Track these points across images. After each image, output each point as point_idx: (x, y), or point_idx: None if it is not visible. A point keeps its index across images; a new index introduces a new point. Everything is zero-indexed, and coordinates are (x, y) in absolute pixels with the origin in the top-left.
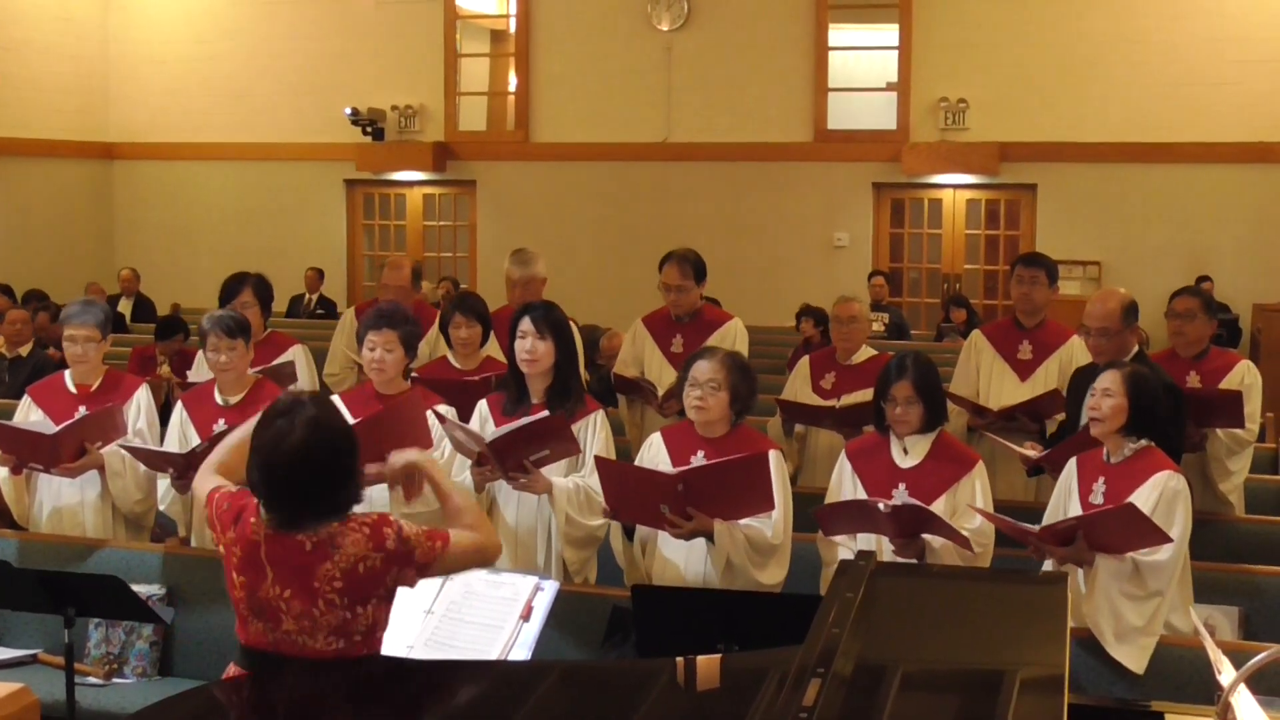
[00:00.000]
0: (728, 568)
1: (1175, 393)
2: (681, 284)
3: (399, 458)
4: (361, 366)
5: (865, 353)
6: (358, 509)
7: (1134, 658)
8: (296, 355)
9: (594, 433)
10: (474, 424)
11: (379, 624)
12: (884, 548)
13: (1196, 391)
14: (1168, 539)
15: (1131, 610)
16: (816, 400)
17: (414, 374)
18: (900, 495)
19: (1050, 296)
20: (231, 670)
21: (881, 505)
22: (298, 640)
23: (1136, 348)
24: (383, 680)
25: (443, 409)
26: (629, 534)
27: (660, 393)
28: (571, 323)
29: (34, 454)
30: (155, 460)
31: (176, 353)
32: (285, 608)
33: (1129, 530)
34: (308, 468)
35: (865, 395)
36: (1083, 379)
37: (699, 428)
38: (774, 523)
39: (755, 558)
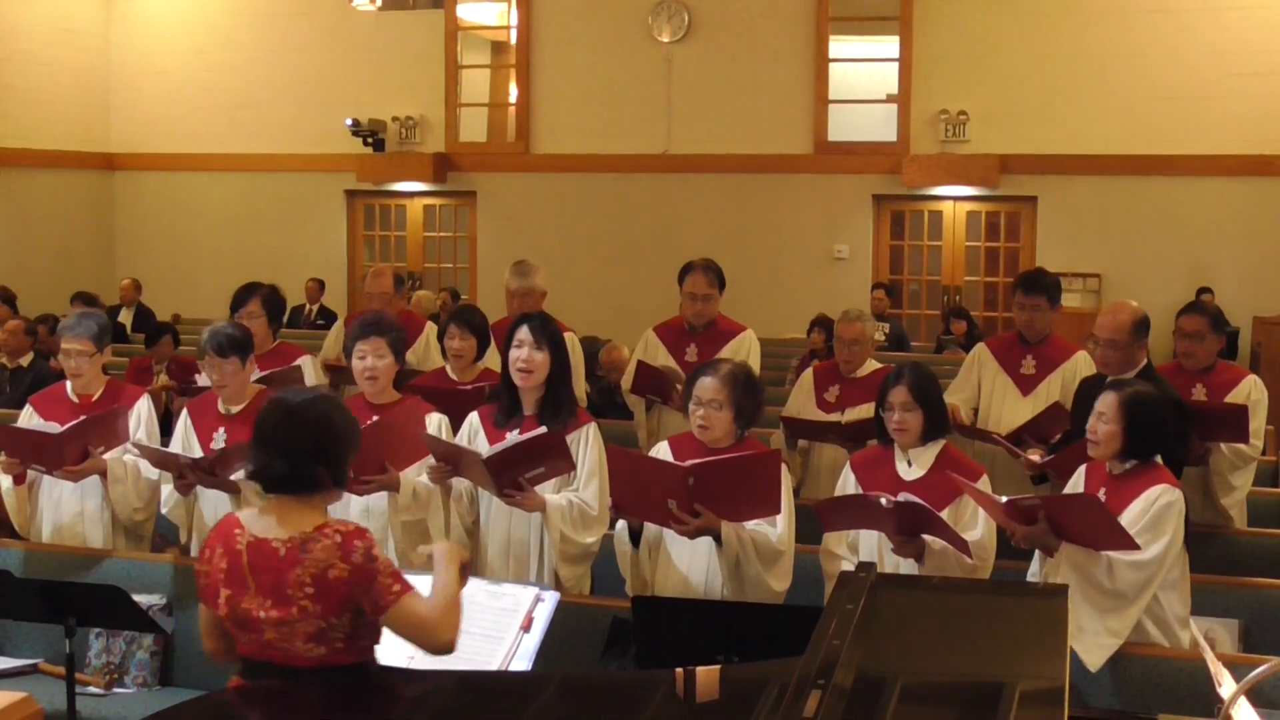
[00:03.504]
0: (734, 574)
1: (1180, 407)
2: (707, 292)
3: (426, 550)
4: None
5: (870, 365)
6: (350, 515)
7: (1091, 653)
8: (304, 366)
9: (586, 446)
10: (464, 434)
11: (361, 633)
12: (885, 560)
13: (1201, 405)
14: (1134, 546)
15: (1092, 603)
16: (820, 414)
17: (411, 384)
18: (903, 498)
19: (1053, 318)
20: (234, 682)
21: (884, 500)
22: (281, 647)
23: (1145, 361)
24: (377, 690)
25: (436, 418)
26: (634, 540)
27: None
28: (570, 334)
29: (38, 455)
30: (161, 459)
31: (171, 359)
32: (264, 617)
33: (1093, 524)
34: (298, 425)
35: (870, 409)
36: (1089, 390)
37: (704, 442)
38: (779, 530)
39: (761, 563)
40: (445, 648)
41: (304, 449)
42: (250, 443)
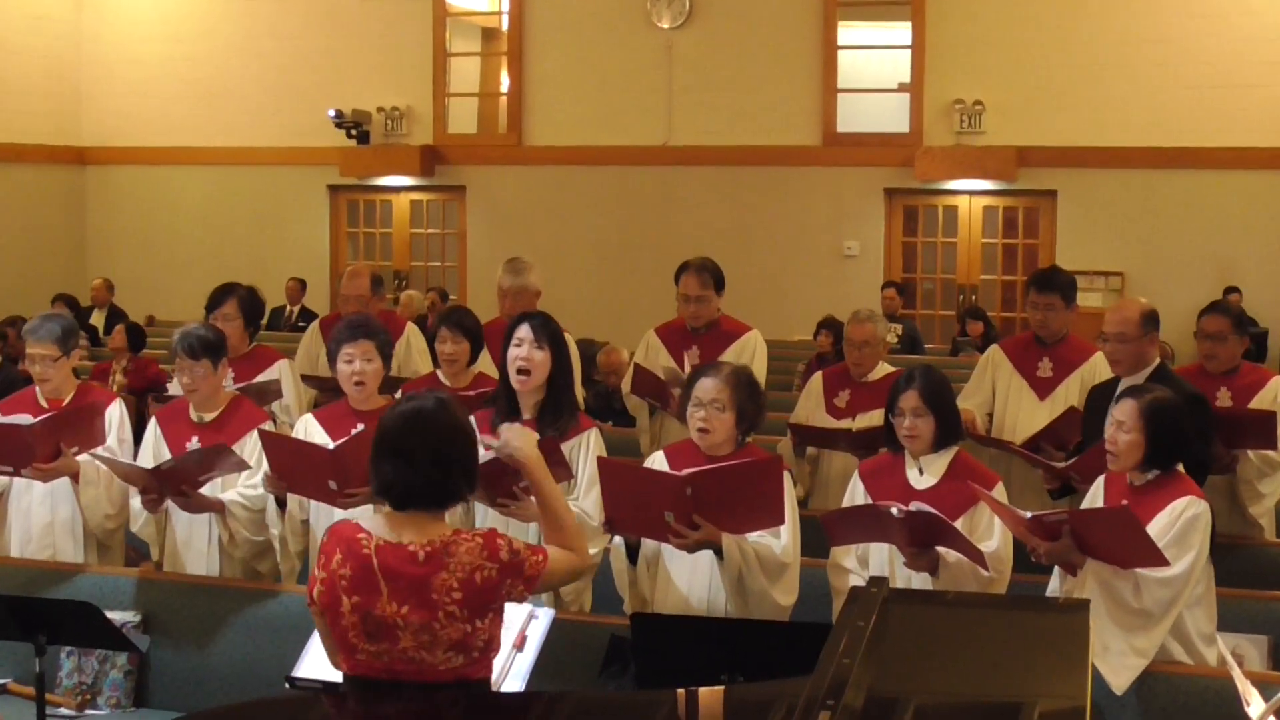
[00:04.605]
0: (737, 589)
1: (1201, 404)
2: (701, 294)
3: (509, 436)
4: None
5: (882, 369)
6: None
7: (1117, 674)
8: (281, 370)
9: (587, 452)
10: None
11: (493, 642)
12: (898, 574)
13: (1227, 411)
14: (1164, 561)
15: (1118, 622)
16: (830, 420)
17: (401, 390)
18: (915, 507)
19: (1070, 318)
20: None
21: (895, 510)
22: (415, 658)
23: (1158, 360)
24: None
25: None
26: (632, 557)
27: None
28: (566, 336)
29: (6, 454)
30: (125, 472)
31: (131, 360)
32: (403, 624)
33: (1122, 539)
34: (435, 433)
35: (883, 415)
36: (1100, 395)
37: (704, 448)
38: (783, 542)
39: (765, 577)
40: (591, 569)
41: (444, 458)
42: (373, 458)
